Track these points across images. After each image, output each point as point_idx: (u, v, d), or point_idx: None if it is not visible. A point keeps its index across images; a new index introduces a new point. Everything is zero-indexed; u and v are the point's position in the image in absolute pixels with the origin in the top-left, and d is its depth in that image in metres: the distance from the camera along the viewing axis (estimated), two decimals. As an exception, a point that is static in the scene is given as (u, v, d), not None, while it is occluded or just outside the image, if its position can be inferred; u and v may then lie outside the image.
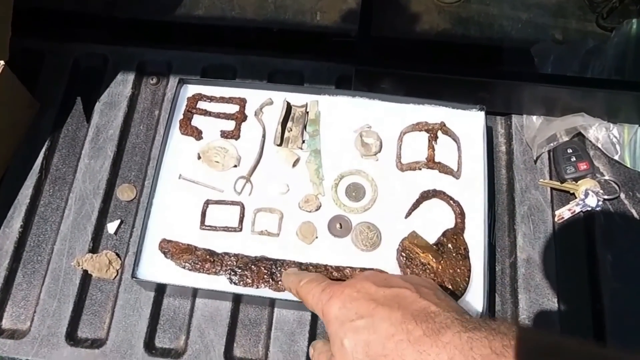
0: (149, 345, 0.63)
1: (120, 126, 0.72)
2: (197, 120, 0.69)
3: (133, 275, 0.61)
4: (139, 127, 0.74)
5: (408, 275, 0.57)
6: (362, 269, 0.61)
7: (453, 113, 0.68)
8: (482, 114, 0.67)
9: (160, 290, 0.65)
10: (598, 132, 0.68)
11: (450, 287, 0.60)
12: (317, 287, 0.51)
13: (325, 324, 0.48)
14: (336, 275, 0.61)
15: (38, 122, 0.73)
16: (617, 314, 0.62)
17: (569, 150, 0.68)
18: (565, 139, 0.69)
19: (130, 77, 0.76)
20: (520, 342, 0.40)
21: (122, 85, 0.76)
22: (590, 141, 0.70)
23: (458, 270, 0.61)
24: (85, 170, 0.70)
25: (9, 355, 0.62)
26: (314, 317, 0.64)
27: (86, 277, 0.66)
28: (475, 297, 0.60)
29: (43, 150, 0.72)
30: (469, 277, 0.61)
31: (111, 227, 0.68)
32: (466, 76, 0.69)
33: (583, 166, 0.67)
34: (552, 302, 0.63)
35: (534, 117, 0.71)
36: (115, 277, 0.66)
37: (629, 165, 0.69)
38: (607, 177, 0.69)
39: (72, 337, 0.63)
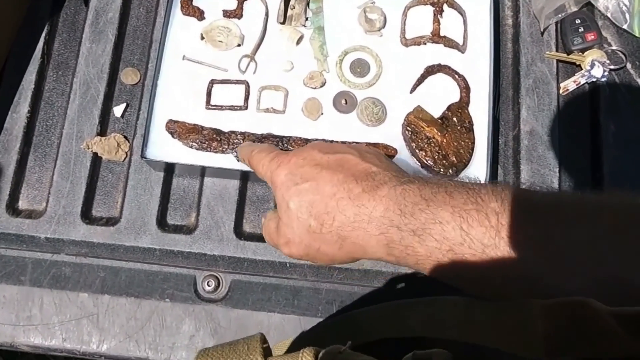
0: (162, 222, 0.65)
1: (119, 9, 0.71)
2: (199, 0, 0.68)
3: (142, 155, 0.62)
4: (139, 9, 0.72)
5: (354, 144, 0.59)
6: (368, 144, 0.62)
7: (459, -15, 0.67)
8: (490, -15, 0.66)
9: (169, 170, 0.66)
10: (608, 0, 0.66)
11: (454, 159, 0.61)
12: (267, 156, 0.53)
13: (273, 190, 0.51)
14: (343, 150, 0.62)
15: (35, 7, 0.72)
16: (616, 181, 0.64)
17: (577, 21, 0.67)
18: (574, 9, 0.67)
19: (125, -44, 0.74)
20: (447, 187, 0.43)
21: (118, -35, 0.73)
22: (599, 11, 0.68)
23: (462, 142, 0.62)
24: (88, 54, 0.69)
25: (28, 234, 0.64)
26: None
27: (96, 159, 0.67)
28: (478, 169, 0.62)
29: (43, 35, 0.70)
30: (472, 150, 0.62)
31: (117, 110, 0.69)
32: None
33: (591, 37, 0.66)
34: (553, 172, 0.64)
35: (543, -12, 0.69)
36: (125, 158, 0.67)
37: (637, 35, 0.67)
38: (614, 47, 0.67)
39: (87, 216, 0.65)
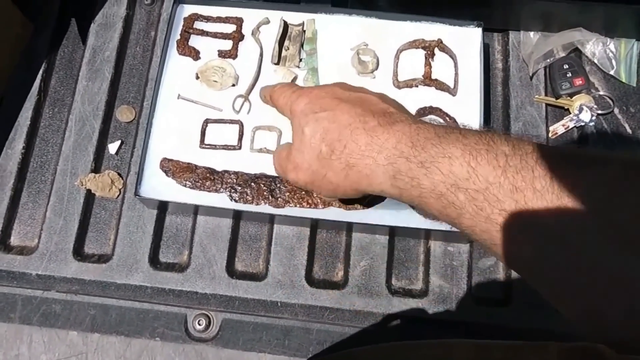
0: (154, 260, 0.65)
1: (116, 48, 0.72)
2: (195, 41, 0.69)
3: (136, 193, 0.62)
4: (135, 48, 0.74)
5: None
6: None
7: (450, 30, 0.68)
8: (480, 30, 0.67)
9: (162, 207, 0.66)
10: (595, 47, 0.68)
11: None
12: (289, 89, 0.56)
13: (291, 119, 0.54)
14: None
15: (33, 44, 0.73)
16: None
17: (565, 66, 0.68)
18: (562, 54, 0.69)
19: (124, -3, 0.75)
20: (461, 130, 0.45)
21: (117, 5, 0.74)
22: (586, 57, 0.70)
23: (453, 184, 0.62)
24: (84, 92, 0.70)
25: (19, 270, 0.64)
26: (313, 232, 0.66)
27: (90, 196, 0.67)
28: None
29: (40, 72, 0.71)
30: (463, 191, 0.63)
31: (112, 147, 0.69)
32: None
33: (578, 82, 0.67)
34: (543, 215, 0.65)
35: (531, 33, 0.70)
36: (118, 196, 0.68)
37: (624, 80, 0.69)
38: (601, 92, 0.69)
39: (79, 253, 0.65)
